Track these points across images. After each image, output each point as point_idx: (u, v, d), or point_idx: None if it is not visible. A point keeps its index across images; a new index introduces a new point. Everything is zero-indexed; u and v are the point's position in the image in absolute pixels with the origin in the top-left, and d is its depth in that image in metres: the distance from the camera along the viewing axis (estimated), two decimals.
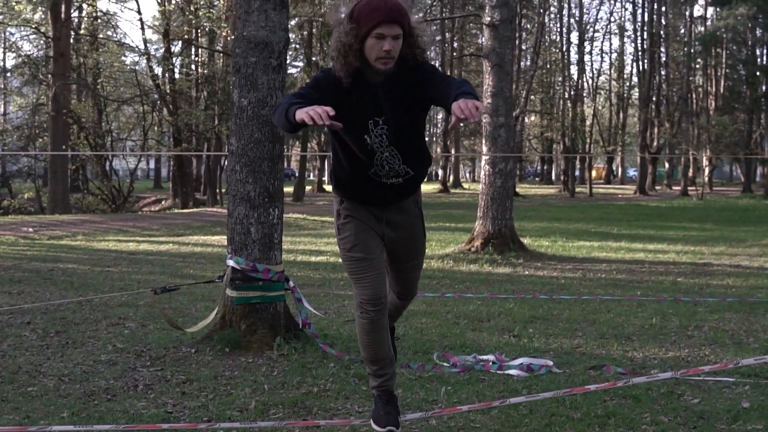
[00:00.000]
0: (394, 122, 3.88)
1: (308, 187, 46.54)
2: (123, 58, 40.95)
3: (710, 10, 52.65)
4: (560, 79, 54.56)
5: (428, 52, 4.08)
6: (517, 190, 42.35)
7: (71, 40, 32.28)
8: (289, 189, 40.57)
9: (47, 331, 6.90)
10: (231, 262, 6.37)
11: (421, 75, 3.88)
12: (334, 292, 9.46)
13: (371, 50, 3.73)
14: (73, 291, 9.39)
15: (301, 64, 44.15)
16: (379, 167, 3.93)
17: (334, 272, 11.61)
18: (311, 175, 60.47)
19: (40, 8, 30.93)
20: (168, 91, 34.65)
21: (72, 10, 33.29)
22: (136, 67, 39.03)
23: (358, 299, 4.01)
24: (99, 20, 39.89)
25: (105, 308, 8.09)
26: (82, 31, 37.57)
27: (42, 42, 37.33)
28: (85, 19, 40.52)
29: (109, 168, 32.79)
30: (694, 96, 55.03)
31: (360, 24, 3.73)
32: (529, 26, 54.42)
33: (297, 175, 41.44)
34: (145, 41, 36.91)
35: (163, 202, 41.51)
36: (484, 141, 14.39)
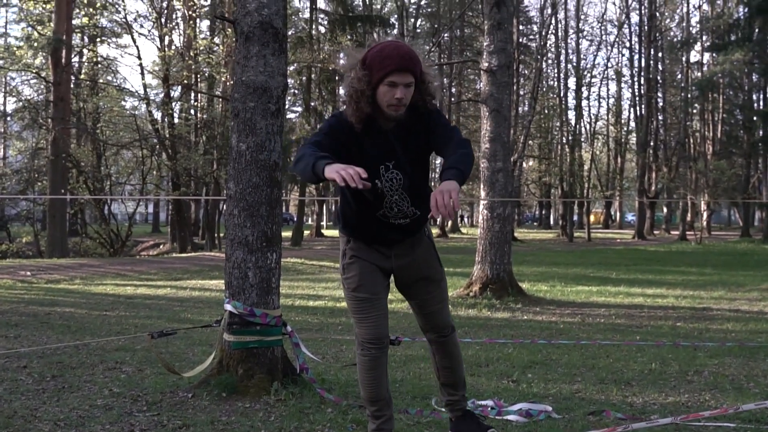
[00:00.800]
0: (404, 167, 3.98)
1: (306, 232, 46.51)
2: (123, 102, 41.16)
3: (707, 56, 53.06)
4: (558, 124, 54.84)
5: (437, 99, 4.16)
6: (516, 234, 42.41)
7: (71, 85, 32.43)
8: (287, 234, 40.56)
9: (43, 375, 6.85)
10: (228, 307, 6.34)
11: (428, 122, 4.00)
12: (332, 337, 9.41)
13: (383, 97, 3.82)
14: (70, 335, 9.34)
15: (299, 109, 44.46)
16: (388, 209, 4.01)
17: (332, 317, 11.57)
18: (309, 219, 60.49)
19: (40, 53, 31.14)
20: (167, 135, 34.78)
21: (72, 56, 33.52)
22: (136, 112, 39.20)
23: (360, 338, 4.04)
24: (99, 65, 40.17)
25: (102, 352, 8.03)
26: (82, 76, 37.75)
27: (42, 86, 37.52)
28: (86, 64, 40.80)
29: (107, 212, 32.78)
30: (691, 141, 55.30)
31: (372, 71, 3.81)
32: (527, 72, 54.85)
33: (295, 219, 41.48)
34: (144, 86, 37.13)
35: (161, 247, 41.46)
36: (482, 186, 14.41)
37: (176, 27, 39.14)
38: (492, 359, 7.79)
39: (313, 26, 35.98)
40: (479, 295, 13.65)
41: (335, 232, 55.03)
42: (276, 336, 6.37)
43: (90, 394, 6.17)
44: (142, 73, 37.19)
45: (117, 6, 35.98)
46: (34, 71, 34.49)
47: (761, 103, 46.49)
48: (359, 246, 4.15)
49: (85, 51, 38.42)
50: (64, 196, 26.10)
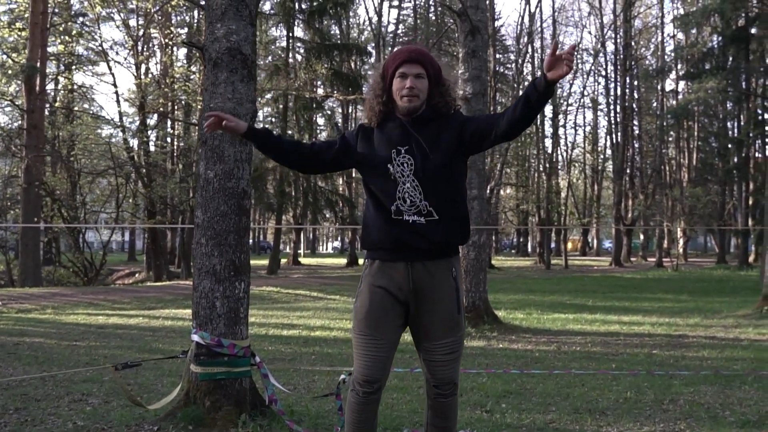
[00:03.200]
0: (418, 153, 3.91)
1: (284, 260, 46.30)
2: (99, 130, 40.93)
3: (681, 84, 53.55)
4: (535, 152, 55.04)
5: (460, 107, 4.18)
6: (493, 262, 42.40)
7: (46, 112, 32.27)
8: (264, 262, 40.35)
9: (6, 408, 6.68)
10: (195, 337, 6.22)
11: (456, 118, 4.01)
12: (304, 368, 9.27)
13: (397, 91, 3.94)
14: (37, 366, 9.16)
15: None
16: (401, 200, 3.90)
17: (305, 346, 11.43)
18: (288, 247, 60.24)
19: (14, 81, 30.97)
20: (142, 163, 34.61)
21: (47, 83, 33.36)
22: (113, 139, 38.99)
23: (354, 374, 3.91)
24: (75, 93, 39.97)
25: (68, 384, 7.87)
26: (57, 104, 37.57)
27: (17, 114, 37.31)
28: (62, 91, 40.60)
29: (81, 240, 32.51)
30: (667, 168, 55.64)
31: (387, 69, 4.00)
32: (503, 100, 55.06)
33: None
34: (120, 114, 36.96)
35: (136, 275, 41.12)
36: None
37: (153, 55, 39.09)
38: (465, 389, 7.69)
39: (290, 54, 35.97)
40: None
41: (313, 260, 54.92)
42: (244, 367, 6.25)
43: (53, 428, 6.02)
44: (118, 101, 37.06)
45: (93, 34, 35.91)
46: (8, 99, 34.27)
47: (735, 130, 46.90)
48: (377, 269, 3.98)
49: (60, 78, 38.20)
50: (35, 225, 25.83)
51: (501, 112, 3.85)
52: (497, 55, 50.37)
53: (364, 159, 4.04)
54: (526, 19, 49.11)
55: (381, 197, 3.97)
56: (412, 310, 3.95)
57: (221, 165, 6.30)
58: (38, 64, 27.04)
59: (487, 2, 16.15)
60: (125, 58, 36.64)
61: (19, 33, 30.29)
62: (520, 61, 50.62)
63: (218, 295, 6.26)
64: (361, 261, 40.52)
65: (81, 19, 38.06)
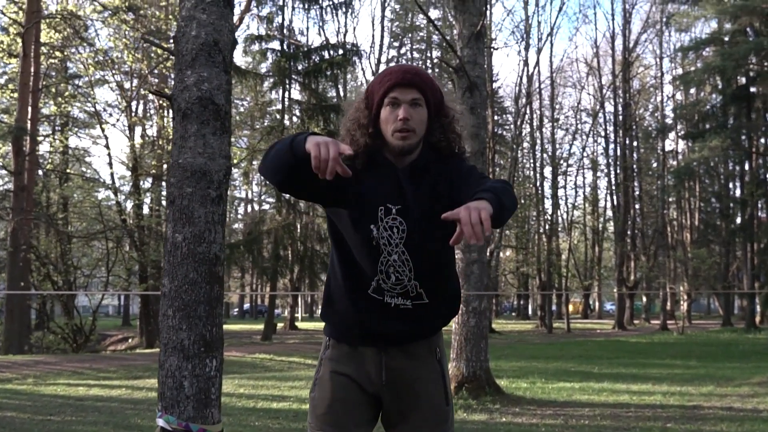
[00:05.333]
0: (412, 216, 3.02)
1: (281, 324, 45.49)
2: (96, 193, 40.45)
3: (681, 144, 53.33)
4: (535, 213, 54.56)
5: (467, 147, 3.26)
6: (493, 326, 41.63)
7: (36, 174, 31.83)
8: (260, 326, 39.53)
9: None
10: (161, 422, 5.56)
11: (456, 169, 3.12)
12: None
13: (386, 123, 3.02)
14: None
15: (272, 200, 43.79)
16: (384, 276, 3.02)
17: (295, 421, 10.68)
18: (285, 311, 59.45)
19: (3, 143, 30.52)
20: (135, 227, 34.05)
21: (38, 145, 32.98)
22: (108, 202, 38.43)
23: None
24: (68, 155, 39.57)
25: None
26: (49, 166, 37.18)
27: (6, 175, 36.87)
28: (56, 154, 40.20)
29: (71, 306, 31.77)
30: (669, 229, 55.16)
31: (373, 94, 3.08)
32: (502, 162, 54.78)
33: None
34: (112, 176, 36.52)
35: (129, 341, 40.28)
36: None
37: (148, 117, 38.80)
38: None
39: (285, 116, 35.64)
40: (454, 395, 12.80)
41: (310, 325, 54.06)
42: None
43: None
44: (110, 164, 36.59)
45: (87, 96, 35.57)
46: None
47: (738, 190, 46.56)
48: (341, 353, 3.16)
49: (52, 140, 37.84)
50: (21, 292, 25.12)
51: (480, 185, 2.93)
52: (495, 117, 50.16)
53: (346, 206, 3.09)
54: (525, 80, 48.89)
55: (357, 266, 3.10)
56: (386, 404, 3.16)
57: (190, 227, 5.65)
58: (29, 126, 26.62)
59: (485, 60, 15.68)
60: (117, 119, 36.24)
61: (12, 94, 29.97)
62: (518, 122, 50.35)
63: (186, 373, 5.58)
64: None
65: (77, 81, 37.73)
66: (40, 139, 34.25)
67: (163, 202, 40.11)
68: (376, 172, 3.07)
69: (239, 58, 44.49)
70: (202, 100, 5.68)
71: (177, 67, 5.84)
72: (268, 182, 3.22)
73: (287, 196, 34.09)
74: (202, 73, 5.71)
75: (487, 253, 30.16)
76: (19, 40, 27.02)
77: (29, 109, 26.93)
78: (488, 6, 35.07)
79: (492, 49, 38.01)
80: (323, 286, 3.50)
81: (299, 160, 2.73)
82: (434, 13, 51.71)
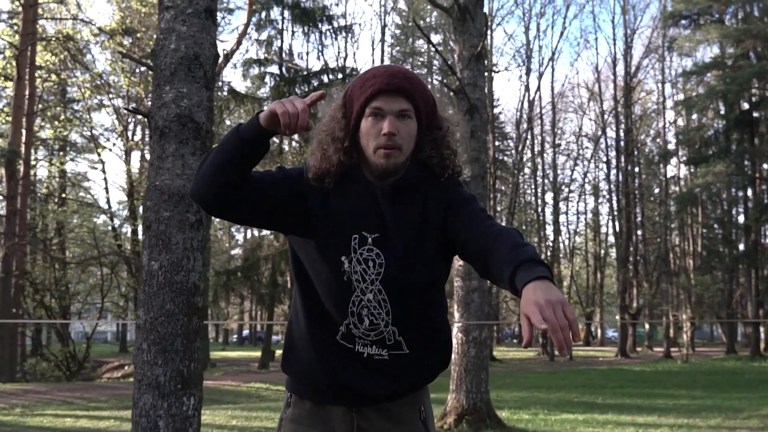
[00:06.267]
0: (392, 247, 2.50)
1: (279, 351, 44.87)
2: (94, 218, 40.10)
3: (683, 170, 53.07)
4: (536, 240, 54.14)
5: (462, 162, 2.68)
6: (494, 353, 41.11)
7: (29, 199, 31.46)
8: (258, 354, 38.99)
9: None
10: None
11: (452, 193, 2.58)
12: None
13: (367, 137, 2.48)
14: None
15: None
16: (356, 319, 2.52)
17: None
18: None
19: None
20: (131, 252, 33.66)
21: (35, 169, 32.72)
22: (101, 228, 38.06)
23: None
24: (65, 180, 39.26)
25: None
26: (44, 190, 36.87)
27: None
28: (56, 178, 39.87)
29: (65, 332, 31.25)
30: (671, 256, 54.74)
31: (352, 101, 2.52)
32: (503, 188, 54.45)
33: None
34: (108, 201, 36.21)
35: (125, 368, 39.70)
36: (456, 307, 13.25)
37: (144, 140, 38.46)
38: None
39: (284, 140, 35.34)
40: (454, 428, 12.35)
41: None
42: None
43: None
44: (107, 189, 36.29)
45: (83, 120, 35.27)
46: None
47: (741, 216, 46.24)
48: (303, 412, 2.65)
49: (49, 164, 37.58)
50: (8, 320, 24.63)
51: (491, 241, 2.37)
52: (496, 142, 49.88)
53: (312, 234, 2.55)
54: (526, 105, 48.68)
55: (323, 305, 2.58)
56: None
57: (167, 254, 5.25)
58: (23, 150, 26.27)
59: (486, 82, 15.35)
60: (114, 144, 35.85)
61: (6, 118, 29.67)
62: (519, 147, 50.07)
63: (162, 412, 5.15)
64: None
65: (75, 105, 37.44)
66: (34, 163, 33.95)
67: None
68: (349, 192, 2.54)
69: (238, 83, 44.27)
70: (181, 117, 5.30)
71: (155, 82, 5.47)
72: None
73: None
74: (182, 88, 5.33)
75: (488, 281, 29.73)
76: (14, 62, 26.74)
77: (23, 132, 26.58)
78: (488, 27, 34.79)
79: (494, 72, 37.72)
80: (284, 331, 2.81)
81: (252, 146, 2.33)
82: (435, 38, 51.46)
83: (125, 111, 35.77)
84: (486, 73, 17.09)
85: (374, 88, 2.47)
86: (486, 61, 15.42)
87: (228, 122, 38.93)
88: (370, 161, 2.50)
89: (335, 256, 2.50)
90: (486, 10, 14.74)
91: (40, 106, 32.85)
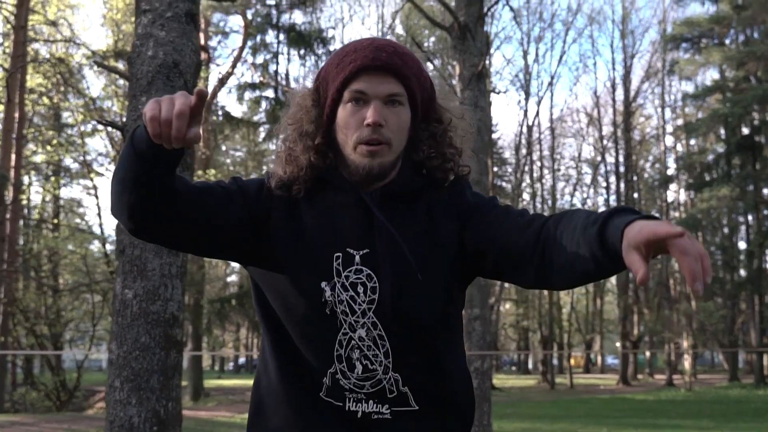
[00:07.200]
0: (387, 265, 1.91)
1: None
2: (86, 245, 39.60)
3: (683, 196, 52.78)
4: None
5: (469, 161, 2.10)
6: (494, 382, 40.51)
7: (25, 224, 30.99)
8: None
9: None
10: None
11: (467, 195, 2.03)
12: None
13: (345, 129, 1.92)
14: None
15: None
16: (344, 365, 1.91)
17: None
18: None
19: None
20: None
21: (26, 194, 32.24)
22: (102, 254, 37.52)
23: None
24: (57, 205, 38.81)
25: None
26: (36, 215, 36.39)
27: None
28: (49, 204, 39.42)
29: (56, 361, 30.65)
30: (672, 281, 54.32)
31: (327, 84, 1.96)
32: None
33: None
34: (101, 227, 35.67)
35: None
36: None
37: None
38: None
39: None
40: None
41: None
42: None
43: None
44: (99, 215, 35.84)
45: (75, 145, 34.80)
46: None
47: (742, 242, 45.88)
48: None
49: (43, 190, 37.14)
50: None
51: (539, 227, 1.84)
52: (495, 168, 49.51)
53: (277, 259, 1.96)
54: (525, 129, 48.38)
55: (299, 351, 1.97)
56: None
57: (143, 282, 4.75)
58: (12, 174, 25.76)
59: (487, 103, 14.95)
60: (107, 169, 35.38)
61: None
62: (518, 174, 49.72)
63: None
64: None
65: (69, 130, 36.99)
66: (26, 188, 33.51)
67: None
68: (326, 201, 1.98)
69: (233, 107, 43.91)
70: None
71: (131, 92, 4.99)
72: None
73: None
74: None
75: (488, 308, 29.28)
76: (3, 84, 26.36)
77: (12, 156, 26.11)
78: (489, 46, 34.58)
79: (495, 93, 37.46)
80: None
81: (147, 161, 1.71)
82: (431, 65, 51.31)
83: (97, 123, 35.24)
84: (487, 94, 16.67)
85: (355, 64, 1.90)
86: (487, 81, 15.03)
87: (224, 147, 38.59)
88: (349, 161, 1.93)
89: (313, 283, 1.90)
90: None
91: (32, 130, 32.46)
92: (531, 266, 1.83)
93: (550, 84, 54.08)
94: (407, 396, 1.93)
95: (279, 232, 1.94)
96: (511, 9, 16.19)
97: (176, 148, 1.68)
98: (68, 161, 38.51)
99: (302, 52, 35.49)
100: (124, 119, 5.11)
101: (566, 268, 1.75)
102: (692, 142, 49.19)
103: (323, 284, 1.90)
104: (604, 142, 52.64)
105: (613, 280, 55.90)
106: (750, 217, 42.99)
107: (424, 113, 2.02)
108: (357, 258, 1.91)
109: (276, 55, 35.01)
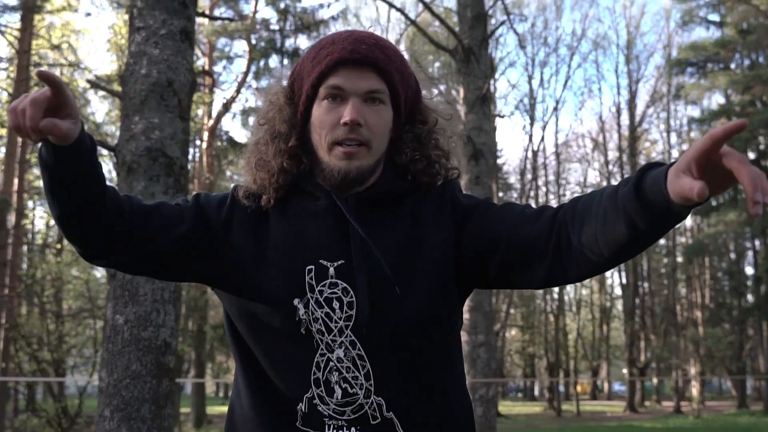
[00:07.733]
0: (366, 276, 1.73)
1: None
2: (89, 270, 39.48)
3: (689, 221, 52.59)
4: (541, 292, 53.39)
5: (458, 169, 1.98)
6: (500, 409, 40.21)
7: (30, 248, 30.83)
8: None
9: None
10: None
11: (458, 203, 1.88)
12: None
13: (320, 128, 1.77)
14: None
15: None
16: (322, 390, 1.73)
17: None
18: None
19: None
20: None
21: (28, 220, 32.19)
22: (104, 279, 37.42)
23: None
24: (56, 230, 38.78)
25: None
26: (39, 240, 36.31)
27: None
28: (54, 229, 39.40)
29: (57, 388, 30.43)
30: (678, 308, 54.06)
31: (301, 80, 1.82)
32: None
33: None
34: None
35: None
36: None
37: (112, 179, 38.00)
38: None
39: None
40: None
41: None
42: None
43: None
44: None
45: None
46: None
47: (750, 267, 45.65)
48: None
49: (47, 214, 37.10)
50: None
51: (552, 214, 1.71)
52: (500, 193, 49.40)
53: (242, 277, 1.80)
54: (530, 154, 48.27)
55: (271, 374, 1.79)
56: None
57: (134, 307, 4.59)
58: (15, 199, 25.75)
59: (491, 126, 14.88)
60: None
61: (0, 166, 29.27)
62: (523, 200, 49.55)
63: None
64: None
65: None
66: (30, 213, 33.48)
67: None
68: (297, 209, 1.82)
69: (237, 132, 43.98)
70: (152, 151, 4.69)
71: (123, 112, 4.86)
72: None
73: None
74: (153, 119, 4.72)
75: (494, 335, 29.13)
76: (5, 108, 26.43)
77: (15, 180, 26.10)
78: (493, 69, 34.52)
79: (499, 116, 37.43)
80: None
81: (54, 169, 1.60)
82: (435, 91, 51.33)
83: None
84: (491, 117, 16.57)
85: (332, 57, 1.75)
86: (491, 106, 14.93)
87: (228, 172, 38.54)
88: (324, 164, 1.78)
89: (284, 300, 1.74)
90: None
91: (35, 155, 32.42)
92: (545, 258, 1.68)
93: (555, 109, 54.11)
94: (393, 422, 1.74)
95: (243, 246, 1.80)
96: (516, 32, 16.12)
97: (74, 151, 1.58)
98: None
99: None
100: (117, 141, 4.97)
101: (589, 247, 1.58)
102: None
103: (296, 301, 1.74)
104: (610, 167, 52.52)
105: (619, 306, 55.66)
106: (757, 242, 42.77)
107: (408, 113, 1.89)
108: (331, 270, 1.75)
109: (280, 80, 35.04)
